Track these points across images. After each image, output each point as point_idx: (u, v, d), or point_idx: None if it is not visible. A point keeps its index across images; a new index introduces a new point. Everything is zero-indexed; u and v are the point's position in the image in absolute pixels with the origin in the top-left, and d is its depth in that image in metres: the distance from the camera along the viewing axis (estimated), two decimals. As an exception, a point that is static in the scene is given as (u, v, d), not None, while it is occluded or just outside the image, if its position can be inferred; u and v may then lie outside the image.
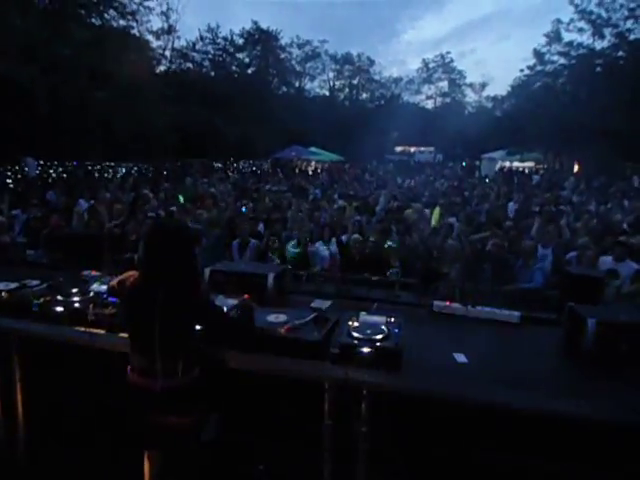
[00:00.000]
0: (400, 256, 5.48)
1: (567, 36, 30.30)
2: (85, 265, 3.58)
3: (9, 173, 15.23)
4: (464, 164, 33.13)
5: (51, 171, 17.10)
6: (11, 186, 13.26)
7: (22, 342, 2.73)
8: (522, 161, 29.93)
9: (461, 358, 2.32)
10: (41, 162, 16.67)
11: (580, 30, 29.60)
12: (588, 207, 10.38)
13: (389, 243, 5.96)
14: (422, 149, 42.51)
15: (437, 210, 8.17)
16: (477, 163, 31.73)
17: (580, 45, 29.60)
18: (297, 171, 25.06)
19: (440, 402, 2.07)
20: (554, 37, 30.93)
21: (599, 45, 29.07)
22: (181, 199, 9.96)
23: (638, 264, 5.04)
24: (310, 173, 24.07)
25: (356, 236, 6.12)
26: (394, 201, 10.51)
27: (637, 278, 4.64)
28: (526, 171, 28.52)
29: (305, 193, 12.84)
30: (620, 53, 28.24)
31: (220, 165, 26.39)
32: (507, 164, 30.42)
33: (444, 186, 15.69)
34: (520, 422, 2.07)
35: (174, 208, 8.34)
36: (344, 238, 6.52)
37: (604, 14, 28.15)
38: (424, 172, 24.24)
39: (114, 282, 2.26)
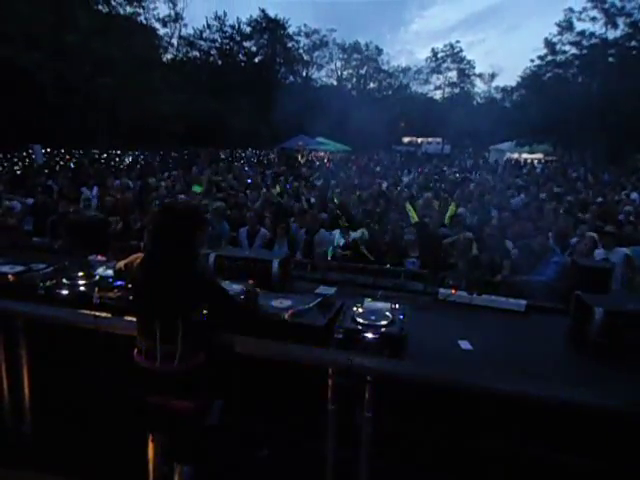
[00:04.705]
0: (419, 247, 5.45)
1: (579, 25, 29.77)
2: (91, 251, 3.60)
3: (16, 160, 15.28)
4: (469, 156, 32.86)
5: (57, 159, 17.14)
6: (18, 172, 13.32)
7: (28, 324, 2.75)
8: (531, 153, 29.57)
9: (466, 345, 2.31)
10: (48, 150, 16.72)
11: (593, 19, 29.08)
12: (596, 199, 10.29)
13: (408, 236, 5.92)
14: (430, 140, 42.14)
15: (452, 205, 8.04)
16: (486, 155, 31.41)
17: (592, 35, 29.07)
18: (302, 161, 24.92)
19: (444, 388, 2.06)
20: (566, 26, 30.36)
21: (612, 35, 28.56)
22: (198, 189, 9.43)
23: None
24: (317, 163, 23.93)
25: (362, 231, 6.13)
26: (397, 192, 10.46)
27: (629, 263, 4.76)
28: (535, 163, 28.22)
29: (310, 183, 12.81)
30: (633, 43, 27.70)
31: (227, 154, 26.33)
32: (515, 156, 30.08)
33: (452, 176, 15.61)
34: (524, 410, 2.06)
35: (182, 196, 8.33)
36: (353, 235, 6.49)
37: (618, 3, 27.60)
38: (431, 163, 24.11)
39: (121, 264, 2.26)
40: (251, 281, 2.81)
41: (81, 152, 18.28)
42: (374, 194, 9.52)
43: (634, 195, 11.58)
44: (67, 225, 5.90)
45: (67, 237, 5.20)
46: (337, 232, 6.31)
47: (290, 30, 39.85)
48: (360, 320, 2.35)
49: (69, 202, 6.89)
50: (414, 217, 6.55)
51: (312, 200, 8.79)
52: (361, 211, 7.83)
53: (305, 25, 41.55)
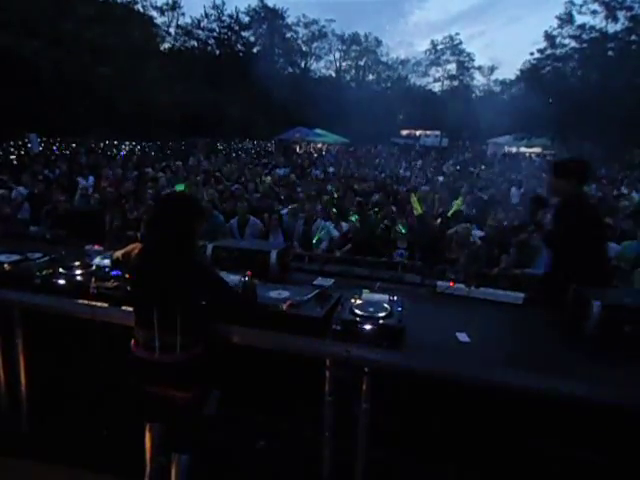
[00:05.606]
0: (408, 239, 5.48)
1: (580, 19, 29.63)
2: (87, 241, 3.57)
3: (12, 149, 15.17)
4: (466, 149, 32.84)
5: (54, 148, 17.02)
6: (15, 162, 13.23)
7: (24, 314, 2.74)
8: (529, 146, 29.56)
9: (463, 337, 2.31)
10: (44, 139, 16.60)
11: (593, 12, 28.94)
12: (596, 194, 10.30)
13: (399, 228, 5.95)
14: (428, 133, 42.01)
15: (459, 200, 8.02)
16: (484, 148, 31.38)
17: (593, 28, 28.93)
18: (299, 153, 24.86)
19: (441, 380, 2.07)
20: (566, 19, 30.20)
21: (612, 28, 28.43)
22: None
23: None
24: (315, 155, 23.88)
25: (354, 219, 6.18)
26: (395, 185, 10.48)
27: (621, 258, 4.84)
28: (532, 156, 28.21)
29: (308, 174, 12.80)
30: (633, 37, 27.59)
31: (224, 145, 26.20)
32: (513, 149, 30.06)
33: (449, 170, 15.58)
34: (519, 402, 2.06)
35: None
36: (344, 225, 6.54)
37: (619, -5, 27.47)
38: (429, 156, 24.10)
39: (119, 253, 2.25)
40: (249, 272, 2.80)
41: (78, 141, 18.17)
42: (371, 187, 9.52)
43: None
44: (58, 214, 5.87)
45: (58, 226, 5.16)
46: (329, 223, 6.34)
47: (289, 20, 39.69)
48: (358, 312, 2.35)
49: (62, 191, 6.84)
50: (418, 209, 6.57)
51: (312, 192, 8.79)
52: (356, 203, 7.84)
53: (304, 15, 41.36)
